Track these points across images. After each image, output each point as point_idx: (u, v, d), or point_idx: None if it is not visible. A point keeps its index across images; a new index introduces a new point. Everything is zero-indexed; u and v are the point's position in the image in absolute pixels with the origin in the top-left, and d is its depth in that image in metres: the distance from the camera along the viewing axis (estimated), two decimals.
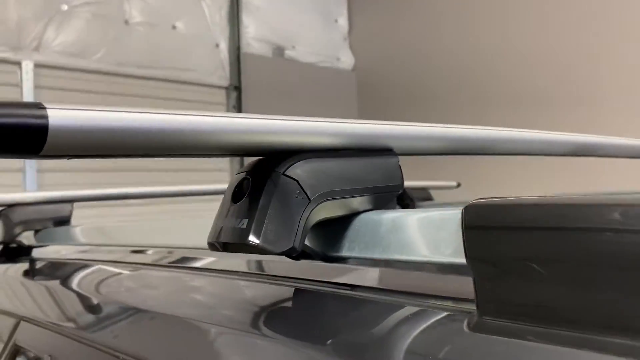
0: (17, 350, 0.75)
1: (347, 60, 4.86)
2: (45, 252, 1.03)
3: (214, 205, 0.43)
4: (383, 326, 0.36)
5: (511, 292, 0.28)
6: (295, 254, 0.39)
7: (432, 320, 0.35)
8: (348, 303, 0.42)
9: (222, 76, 4.13)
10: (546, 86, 3.66)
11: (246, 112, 4.11)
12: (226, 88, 4.15)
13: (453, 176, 1.98)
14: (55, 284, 0.83)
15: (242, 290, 0.52)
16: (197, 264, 0.76)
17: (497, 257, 0.30)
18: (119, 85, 3.64)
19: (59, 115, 0.29)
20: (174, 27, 3.91)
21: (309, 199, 0.39)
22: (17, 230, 1.03)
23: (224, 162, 4.03)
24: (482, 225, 0.31)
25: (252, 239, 0.37)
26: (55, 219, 1.08)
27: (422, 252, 0.37)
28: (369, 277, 0.47)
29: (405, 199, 1.75)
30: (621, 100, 3.29)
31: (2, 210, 1.05)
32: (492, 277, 0.30)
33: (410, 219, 0.39)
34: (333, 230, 0.42)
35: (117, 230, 1.01)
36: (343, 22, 4.87)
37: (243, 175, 0.42)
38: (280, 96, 4.34)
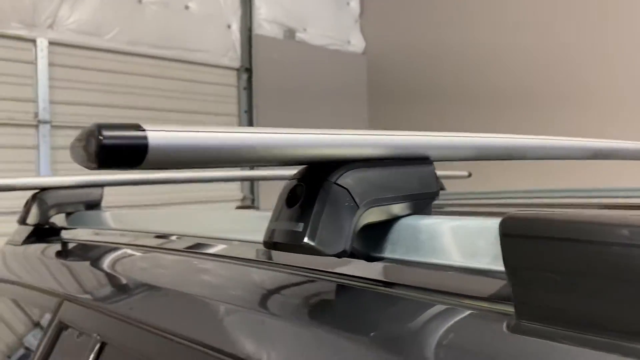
0: (61, 328, 0.80)
1: (357, 43, 4.86)
2: (79, 234, 1.08)
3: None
4: (425, 324, 0.41)
5: (546, 298, 0.33)
6: (345, 255, 0.43)
7: (472, 320, 0.39)
8: (391, 300, 0.46)
9: (234, 57, 4.14)
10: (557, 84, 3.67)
11: (256, 92, 4.14)
12: (237, 69, 4.17)
13: (462, 166, 2.02)
14: (94, 265, 0.88)
15: (288, 283, 0.57)
16: (223, 252, 0.80)
17: (533, 265, 0.34)
18: (131, 64, 3.66)
19: (156, 136, 0.33)
20: (186, 7, 3.92)
21: (358, 206, 0.43)
22: (51, 212, 1.08)
23: None
24: (520, 235, 0.35)
25: (308, 241, 0.41)
26: (87, 202, 1.13)
27: (460, 257, 0.41)
28: (411, 276, 0.52)
29: None
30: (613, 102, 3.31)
31: (36, 193, 1.10)
32: (529, 284, 0.34)
33: (448, 226, 0.43)
34: (376, 233, 0.46)
35: (149, 215, 1.05)
36: (355, 4, 4.86)
37: (295, 182, 0.46)
38: (290, 78, 4.37)
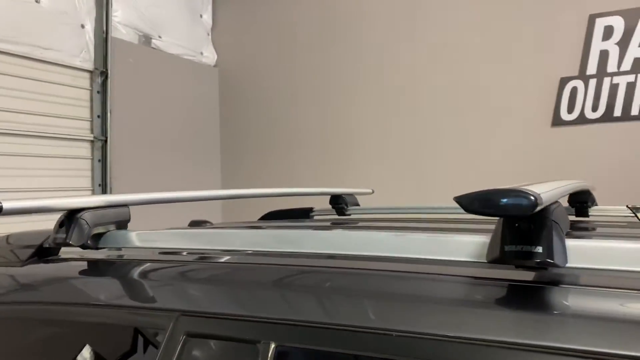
0: (184, 342, 0.86)
1: (210, 55, 4.95)
2: (133, 253, 1.10)
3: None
4: None
5: None
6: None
7: None
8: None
9: (87, 59, 3.92)
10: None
11: (111, 97, 3.98)
12: (91, 72, 3.96)
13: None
14: (194, 279, 0.95)
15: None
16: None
17: None
18: None
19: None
20: (37, 1, 3.61)
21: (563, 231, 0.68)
22: (93, 232, 1.08)
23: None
24: None
25: (549, 260, 0.64)
26: (118, 222, 1.15)
27: None
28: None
29: (341, 203, 2.06)
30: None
31: (72, 213, 1.08)
32: None
33: None
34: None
35: (202, 234, 1.12)
36: (207, 17, 4.95)
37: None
38: (146, 84, 4.30)
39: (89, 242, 1.08)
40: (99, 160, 3.98)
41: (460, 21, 3.98)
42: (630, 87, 3.47)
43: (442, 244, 0.77)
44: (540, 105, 3.74)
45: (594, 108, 3.58)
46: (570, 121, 3.66)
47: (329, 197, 2.08)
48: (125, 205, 1.16)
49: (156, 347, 0.88)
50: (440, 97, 4.06)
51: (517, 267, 0.68)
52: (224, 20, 5.02)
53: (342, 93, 4.46)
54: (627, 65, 3.48)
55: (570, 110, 3.65)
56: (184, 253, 1.09)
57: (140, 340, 0.92)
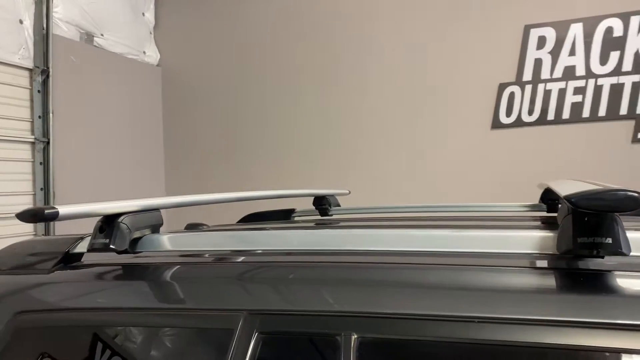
0: (249, 339, 0.90)
1: (152, 54, 4.84)
2: (175, 257, 1.10)
3: None
4: None
5: None
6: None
7: None
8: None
9: (26, 56, 3.72)
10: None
11: (53, 97, 3.80)
12: (30, 70, 3.76)
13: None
14: (253, 280, 0.98)
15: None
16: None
17: None
18: None
19: None
20: None
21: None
22: (132, 236, 1.08)
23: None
24: None
25: (619, 249, 0.74)
26: (153, 226, 1.15)
27: None
28: None
29: (325, 204, 2.13)
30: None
31: (112, 218, 1.07)
32: None
33: None
34: None
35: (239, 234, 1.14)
36: (150, 16, 4.83)
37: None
38: (89, 84, 4.15)
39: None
40: (41, 163, 3.79)
41: (410, 29, 4.16)
42: (562, 93, 3.78)
43: (507, 239, 0.86)
44: (481, 110, 3.99)
45: (530, 112, 3.87)
46: (508, 124, 3.93)
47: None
48: (157, 209, 1.16)
49: (225, 347, 0.91)
50: (389, 101, 4.22)
51: (590, 257, 0.77)
52: (167, 19, 4.93)
53: (287, 94, 4.52)
54: (558, 72, 3.79)
55: (508, 113, 3.93)
56: (233, 254, 1.11)
57: (207, 341, 0.94)
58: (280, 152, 4.55)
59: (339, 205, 2.19)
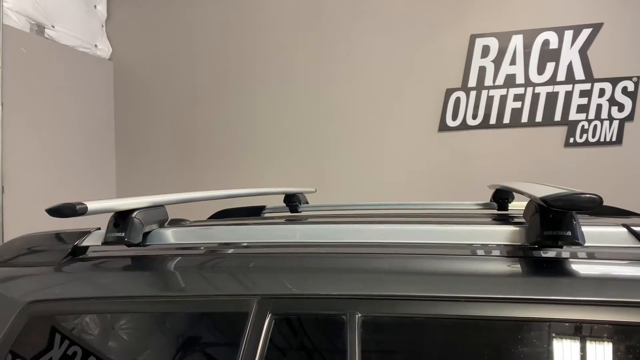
0: (262, 322, 1.02)
1: (104, 48, 4.78)
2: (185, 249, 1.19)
3: None
4: None
5: None
6: None
7: None
8: None
9: None
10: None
11: (4, 90, 3.72)
12: None
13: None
14: (264, 268, 1.10)
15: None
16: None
17: None
18: None
19: None
20: None
21: None
22: (144, 230, 1.16)
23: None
24: None
25: (577, 240, 0.92)
26: (160, 221, 1.24)
27: None
28: None
29: (295, 201, 2.25)
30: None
31: (126, 213, 1.15)
32: None
33: None
34: None
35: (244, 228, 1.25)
36: (102, 8, 4.77)
37: None
38: (39, 76, 4.07)
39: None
40: None
41: (362, 33, 4.33)
42: (503, 99, 4.07)
43: (482, 232, 1.03)
44: (430, 113, 4.22)
45: (474, 116, 4.14)
46: (454, 127, 4.19)
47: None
48: (162, 205, 1.25)
49: (241, 328, 1.02)
50: (344, 104, 4.38)
51: (553, 247, 0.95)
52: (119, 12, 4.87)
53: (243, 93, 4.59)
54: (500, 80, 4.08)
55: (454, 117, 4.18)
56: (242, 245, 1.22)
57: (224, 324, 1.05)
58: (236, 151, 4.61)
59: (307, 203, 2.32)
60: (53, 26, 4.22)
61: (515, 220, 1.37)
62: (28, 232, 1.40)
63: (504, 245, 1.01)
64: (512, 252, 1.02)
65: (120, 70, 4.84)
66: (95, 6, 4.69)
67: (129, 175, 4.83)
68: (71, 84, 4.36)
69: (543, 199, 0.89)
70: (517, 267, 1.00)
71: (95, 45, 4.68)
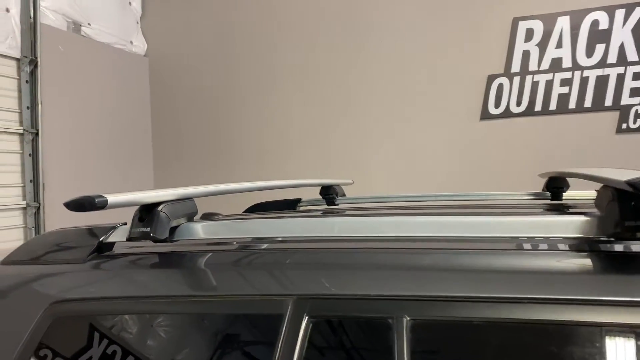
0: (298, 323, 0.92)
1: (139, 44, 4.78)
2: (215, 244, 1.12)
3: None
4: None
5: None
6: None
7: None
8: None
9: (13, 45, 3.65)
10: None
11: (42, 87, 3.74)
12: (18, 59, 3.68)
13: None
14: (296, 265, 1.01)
15: None
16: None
17: None
18: None
19: None
20: None
21: None
22: (172, 224, 1.09)
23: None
24: None
25: None
26: (189, 214, 1.16)
27: None
28: None
29: (332, 193, 2.16)
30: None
31: (153, 207, 1.08)
32: None
33: None
34: None
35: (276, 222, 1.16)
36: (137, 5, 4.77)
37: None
38: (77, 74, 4.09)
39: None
40: (30, 155, 3.73)
41: (399, 23, 4.19)
42: (549, 84, 3.87)
43: (548, 224, 0.90)
44: (470, 101, 4.05)
45: (518, 103, 3.94)
46: (497, 115, 4.00)
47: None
48: (191, 198, 1.18)
49: (275, 331, 0.93)
50: (380, 95, 4.25)
51: (636, 240, 0.81)
52: (153, 8, 4.86)
53: (281, 88, 4.52)
54: (546, 64, 3.87)
55: (497, 105, 4.00)
56: (275, 241, 1.13)
57: (256, 327, 0.96)
58: (270, 145, 4.55)
59: (344, 195, 2.22)
60: (89, 24, 4.24)
61: (581, 210, 1.23)
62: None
63: (575, 238, 0.88)
64: (586, 246, 0.89)
65: (156, 66, 4.84)
66: (130, 3, 4.69)
67: (166, 170, 4.83)
68: (108, 80, 4.37)
69: (630, 183, 0.76)
70: (593, 264, 0.87)
71: (131, 42, 4.69)
